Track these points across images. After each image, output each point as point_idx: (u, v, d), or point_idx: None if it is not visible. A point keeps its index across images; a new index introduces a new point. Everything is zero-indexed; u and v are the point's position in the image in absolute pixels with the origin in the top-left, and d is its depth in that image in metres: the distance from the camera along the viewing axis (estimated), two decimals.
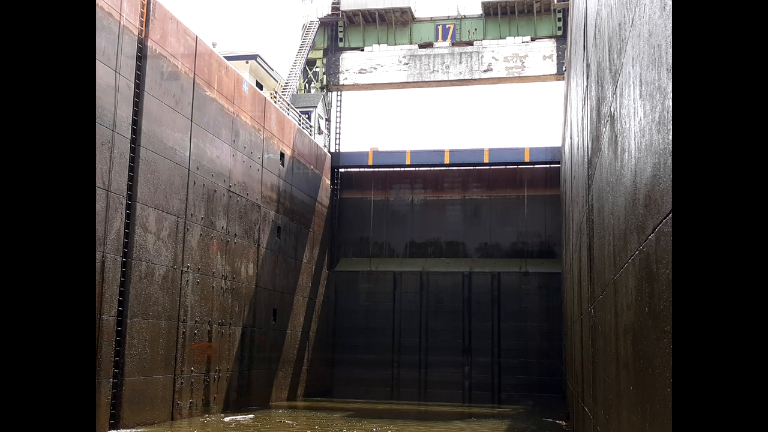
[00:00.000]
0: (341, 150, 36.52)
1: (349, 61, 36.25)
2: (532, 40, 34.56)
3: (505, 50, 34.65)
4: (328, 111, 36.38)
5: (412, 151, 35.13)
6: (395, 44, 35.87)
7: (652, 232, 3.36)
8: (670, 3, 2.68)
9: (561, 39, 33.84)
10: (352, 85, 36.16)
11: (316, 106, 33.97)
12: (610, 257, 5.86)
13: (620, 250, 5.02)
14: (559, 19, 34.08)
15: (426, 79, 35.03)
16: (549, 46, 34.20)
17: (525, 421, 23.80)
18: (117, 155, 17.76)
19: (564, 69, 31.34)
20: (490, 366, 32.89)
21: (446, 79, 34.78)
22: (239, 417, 21.95)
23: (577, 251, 12.64)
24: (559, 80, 33.68)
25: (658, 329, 3.21)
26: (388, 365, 33.71)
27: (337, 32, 36.38)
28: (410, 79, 35.18)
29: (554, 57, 33.94)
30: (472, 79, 34.61)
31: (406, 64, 35.40)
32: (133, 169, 18.50)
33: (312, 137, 33.30)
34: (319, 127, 34.39)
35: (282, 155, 28.67)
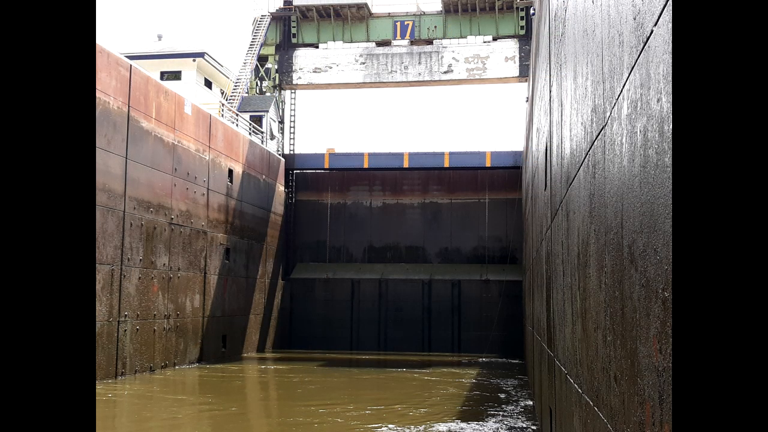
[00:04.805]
0: (296, 152, 35.06)
1: (303, 59, 34.53)
2: (494, 39, 33.12)
3: (466, 51, 33.20)
4: (281, 111, 34.77)
5: (370, 154, 33.80)
6: (351, 41, 34.20)
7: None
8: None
9: (524, 39, 32.47)
10: (307, 84, 34.54)
11: (267, 110, 32.36)
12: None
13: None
14: (522, 18, 32.63)
15: (384, 80, 33.54)
16: (511, 47, 32.81)
17: None
18: None
19: (528, 71, 30.12)
20: None
21: (405, 80, 33.33)
22: None
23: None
24: (521, 82, 32.45)
25: None
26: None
27: (289, 27, 34.55)
28: (367, 80, 33.65)
29: (516, 58, 32.61)
30: (431, 81, 33.21)
31: (363, 63, 33.82)
32: None
33: (264, 144, 31.80)
34: (271, 132, 32.84)
35: (231, 172, 27.23)
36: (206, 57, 34.43)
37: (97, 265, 18.47)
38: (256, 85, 34.58)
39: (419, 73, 33.36)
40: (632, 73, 3.11)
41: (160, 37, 37.27)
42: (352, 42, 34.25)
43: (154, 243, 21.50)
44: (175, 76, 33.84)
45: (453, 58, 33.27)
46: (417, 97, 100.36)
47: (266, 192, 31.05)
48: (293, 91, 35.64)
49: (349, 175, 34.75)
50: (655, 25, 2.65)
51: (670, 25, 2.37)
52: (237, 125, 29.42)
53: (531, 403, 16.06)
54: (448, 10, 33.17)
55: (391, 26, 33.91)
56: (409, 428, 13.12)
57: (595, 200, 4.39)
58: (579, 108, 5.34)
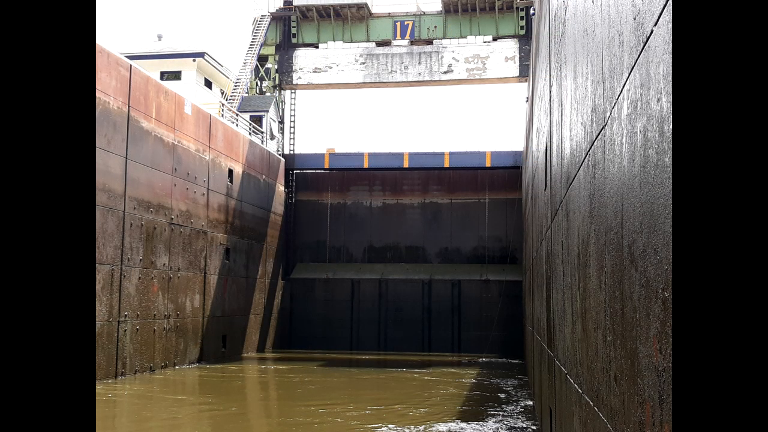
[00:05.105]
0: (296, 152, 35.06)
1: (303, 59, 34.53)
2: (494, 39, 33.12)
3: (466, 50, 33.20)
4: (281, 111, 34.78)
5: (370, 154, 33.80)
6: (351, 41, 34.21)
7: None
8: None
9: (524, 39, 32.47)
10: (307, 84, 34.54)
11: (267, 110, 32.36)
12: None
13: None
14: (522, 18, 32.63)
15: (384, 80, 33.54)
16: (511, 47, 32.81)
17: None
18: None
19: (528, 71, 30.11)
20: None
21: (405, 80, 33.33)
22: None
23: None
24: (521, 82, 32.46)
25: None
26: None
27: (289, 27, 34.56)
28: (367, 80, 33.66)
29: (516, 58, 32.61)
30: (431, 81, 33.21)
31: (363, 63, 33.83)
32: None
33: (264, 144, 31.80)
34: (271, 132, 32.84)
35: (231, 172, 27.23)
36: (206, 57, 34.44)
37: (97, 265, 18.47)
38: (256, 85, 34.59)
39: (419, 73, 33.36)
40: (632, 73, 3.11)
41: (160, 37, 37.28)
42: (352, 42, 34.26)
43: (154, 243, 21.50)
44: (175, 76, 33.85)
45: (453, 58, 33.27)
46: (417, 97, 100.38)
47: (266, 192, 31.05)
48: (293, 91, 35.64)
49: (349, 175, 34.75)
50: (655, 25, 2.65)
51: (670, 25, 2.37)
52: (237, 125, 29.43)
53: (531, 403, 16.06)
54: (448, 10, 33.18)
55: (391, 26, 33.92)
56: (409, 428, 13.12)
57: (595, 200, 4.39)
58: (579, 108, 5.34)
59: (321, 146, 78.04)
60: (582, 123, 5.12)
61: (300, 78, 34.41)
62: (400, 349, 32.43)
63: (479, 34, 33.17)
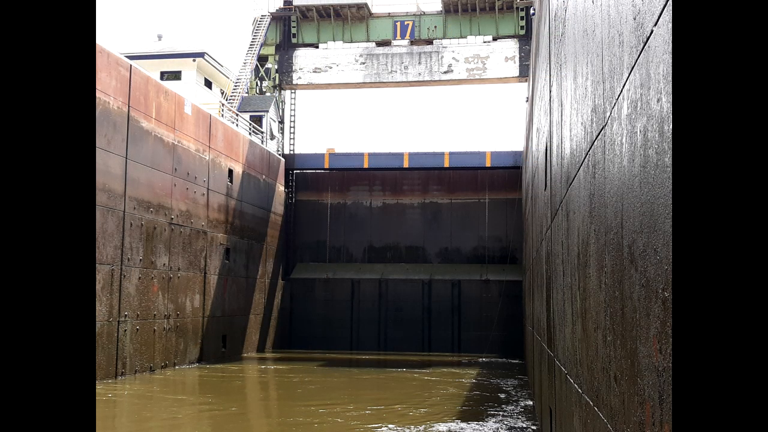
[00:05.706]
0: (296, 152, 35.06)
1: (303, 59, 34.53)
2: (494, 39, 33.12)
3: (466, 50, 33.21)
4: (281, 111, 34.78)
5: (370, 154, 33.80)
6: (351, 41, 34.21)
7: None
8: None
9: (524, 39, 32.48)
10: (307, 84, 34.54)
11: (267, 110, 32.36)
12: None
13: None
14: (522, 18, 32.64)
15: (384, 80, 33.54)
16: (511, 47, 32.81)
17: None
18: None
19: (528, 71, 30.11)
20: None
21: (405, 80, 33.33)
22: None
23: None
24: (521, 82, 32.46)
25: None
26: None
27: (289, 27, 34.56)
28: (367, 80, 33.66)
29: (516, 58, 32.61)
30: (431, 81, 33.22)
31: (363, 63, 33.82)
32: None
33: (264, 144, 31.80)
34: (271, 132, 32.84)
35: (231, 172, 27.23)
36: (206, 57, 34.45)
37: (97, 265, 18.47)
38: (256, 85, 34.59)
39: (419, 73, 33.36)
40: (632, 73, 3.10)
41: (160, 37, 37.30)
42: (352, 42, 34.27)
43: (154, 243, 21.50)
44: (175, 76, 33.86)
45: (453, 58, 33.27)
46: (417, 97, 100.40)
47: (266, 192, 31.05)
48: (293, 91, 35.65)
49: (349, 175, 34.75)
50: (655, 25, 2.65)
51: (670, 25, 2.37)
52: (237, 125, 29.44)
53: (531, 403, 16.06)
54: (448, 10, 33.18)
55: (391, 26, 33.92)
56: (409, 428, 13.12)
57: (595, 200, 4.39)
58: (579, 108, 5.34)
59: (321, 146, 78.07)
60: (582, 123, 5.12)
61: (300, 78, 34.42)
62: (400, 349, 32.43)
63: (479, 34, 33.18)
